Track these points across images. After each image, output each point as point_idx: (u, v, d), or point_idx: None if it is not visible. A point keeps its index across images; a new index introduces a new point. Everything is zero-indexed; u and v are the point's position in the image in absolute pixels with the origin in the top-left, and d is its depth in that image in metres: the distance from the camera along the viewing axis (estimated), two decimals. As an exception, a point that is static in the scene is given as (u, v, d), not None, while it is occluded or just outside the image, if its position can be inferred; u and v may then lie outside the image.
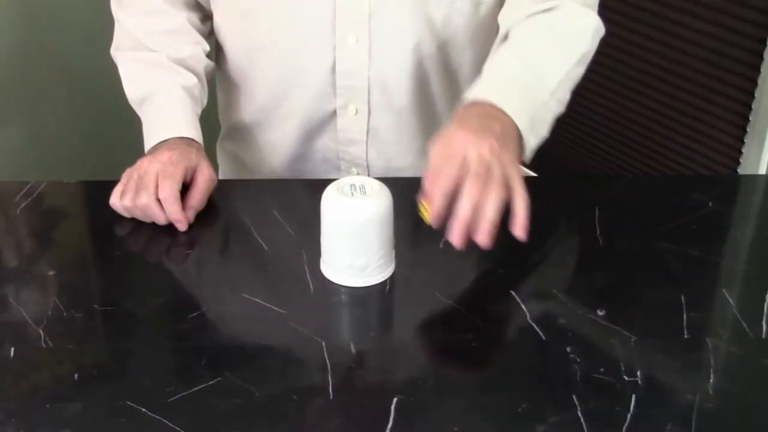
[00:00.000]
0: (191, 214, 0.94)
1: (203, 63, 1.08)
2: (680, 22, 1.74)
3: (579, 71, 0.95)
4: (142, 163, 0.96)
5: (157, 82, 1.05)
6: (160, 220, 0.93)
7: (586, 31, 0.96)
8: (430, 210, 0.77)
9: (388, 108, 1.07)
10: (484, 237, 0.75)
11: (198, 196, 0.95)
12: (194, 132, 1.02)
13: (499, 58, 0.93)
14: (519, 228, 0.77)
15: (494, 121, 0.83)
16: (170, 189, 0.92)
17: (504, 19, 0.99)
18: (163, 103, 1.04)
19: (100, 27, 1.10)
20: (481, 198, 0.76)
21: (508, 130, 0.83)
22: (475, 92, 0.87)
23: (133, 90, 1.07)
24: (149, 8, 1.06)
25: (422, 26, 1.01)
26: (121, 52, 1.08)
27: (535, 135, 0.88)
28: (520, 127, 0.84)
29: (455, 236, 0.76)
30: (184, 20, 1.07)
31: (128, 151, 1.05)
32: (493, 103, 0.85)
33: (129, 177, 0.95)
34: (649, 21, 1.81)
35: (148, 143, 1.01)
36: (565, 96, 0.94)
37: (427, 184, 0.78)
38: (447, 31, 1.02)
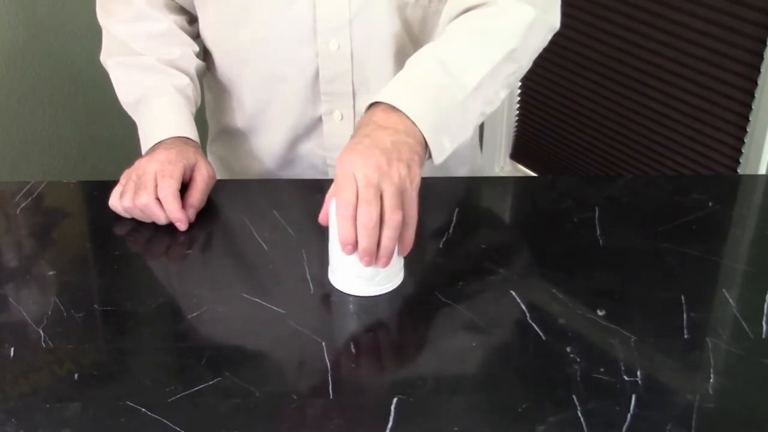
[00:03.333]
0: (191, 213, 0.94)
1: (194, 63, 1.08)
2: (680, 22, 1.74)
3: (511, 67, 0.92)
4: (140, 164, 0.96)
5: (149, 84, 1.05)
6: (160, 219, 0.93)
7: (516, 26, 0.92)
8: (340, 237, 0.79)
9: None
10: (382, 263, 0.80)
11: (197, 195, 0.95)
12: (190, 131, 1.02)
13: (417, 56, 0.90)
14: (404, 251, 0.82)
15: (386, 131, 0.81)
16: (169, 188, 0.92)
17: (444, 14, 0.97)
18: (157, 104, 1.03)
19: (99, 27, 1.10)
20: (374, 228, 0.77)
21: (403, 138, 0.81)
22: (380, 93, 0.85)
23: (125, 94, 1.07)
24: (134, 14, 1.06)
25: (401, 29, 1.01)
26: (110, 58, 1.08)
27: (449, 136, 0.86)
28: (422, 128, 0.83)
29: (364, 263, 0.79)
30: (171, 23, 1.07)
31: (128, 151, 1.05)
32: (393, 105, 0.83)
33: (127, 177, 0.95)
34: (649, 21, 1.81)
35: (145, 145, 1.01)
36: (496, 94, 0.92)
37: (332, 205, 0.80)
38: (424, 32, 1.02)
